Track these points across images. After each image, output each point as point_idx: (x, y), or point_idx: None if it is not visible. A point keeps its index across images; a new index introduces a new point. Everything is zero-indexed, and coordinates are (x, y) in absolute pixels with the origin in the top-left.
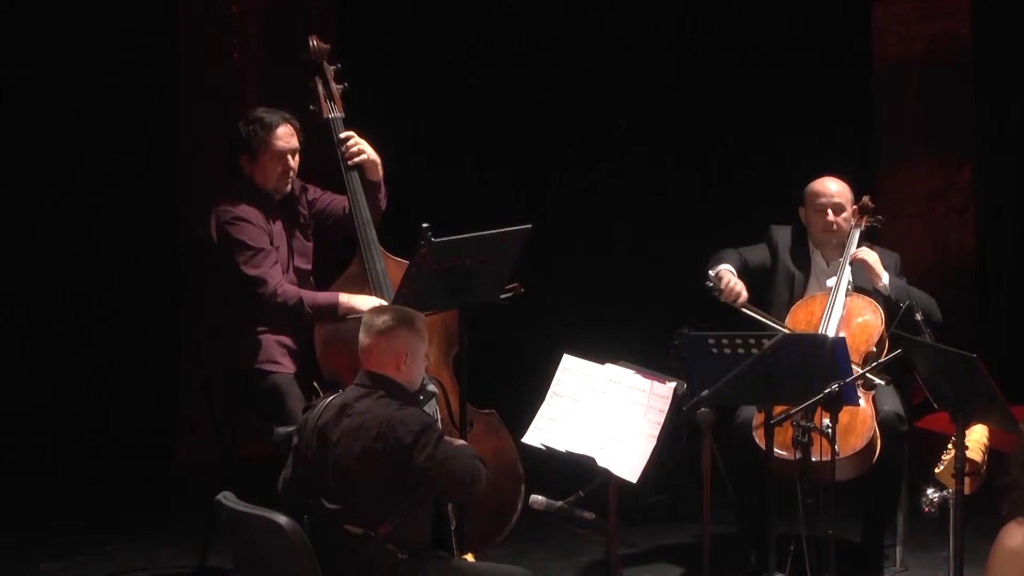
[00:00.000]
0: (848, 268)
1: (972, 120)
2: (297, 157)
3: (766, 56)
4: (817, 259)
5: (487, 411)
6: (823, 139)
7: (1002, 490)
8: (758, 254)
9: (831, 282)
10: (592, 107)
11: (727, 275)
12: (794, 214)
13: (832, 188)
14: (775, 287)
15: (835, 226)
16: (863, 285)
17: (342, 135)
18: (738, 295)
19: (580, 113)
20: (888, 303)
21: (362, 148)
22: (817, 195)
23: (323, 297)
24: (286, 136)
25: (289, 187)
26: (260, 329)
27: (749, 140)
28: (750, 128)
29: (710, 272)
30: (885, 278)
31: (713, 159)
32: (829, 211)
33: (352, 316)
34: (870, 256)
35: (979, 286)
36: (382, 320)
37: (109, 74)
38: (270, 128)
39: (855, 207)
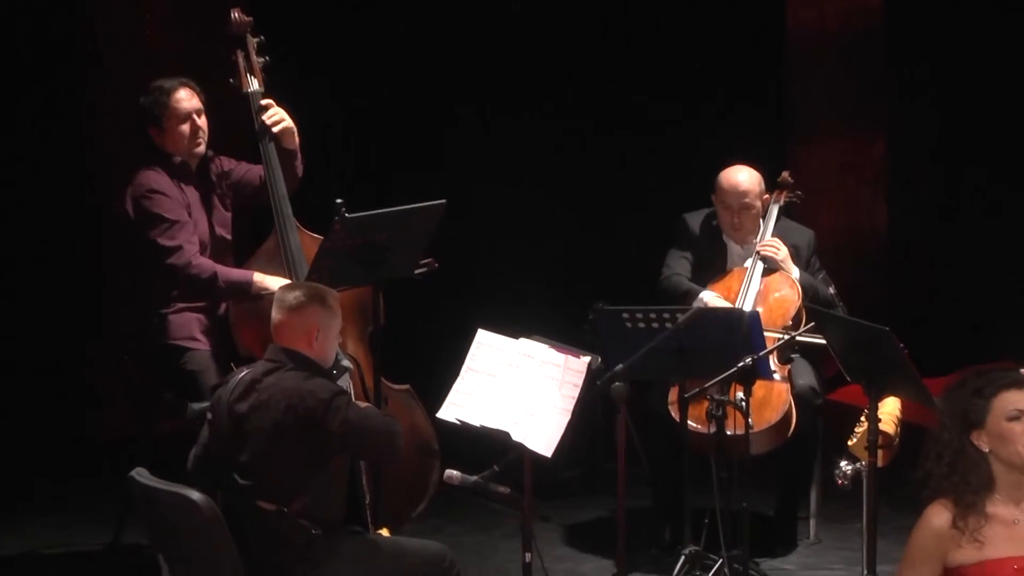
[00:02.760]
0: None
1: (885, 94)
2: (203, 118)
3: (680, 29)
4: (732, 245)
5: (402, 387)
6: (737, 113)
7: (918, 483)
8: (688, 263)
9: (748, 263)
10: (508, 83)
11: (715, 303)
12: (709, 188)
13: (741, 187)
14: (694, 277)
15: (740, 225)
16: (787, 243)
17: (262, 103)
18: None
19: (495, 89)
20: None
21: (281, 116)
22: (726, 192)
23: (237, 274)
24: (186, 97)
25: (201, 148)
26: (178, 306)
27: (664, 114)
28: (665, 102)
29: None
30: (795, 273)
31: (629, 133)
32: (735, 212)
33: (267, 293)
34: (778, 254)
35: (892, 259)
36: (294, 296)
37: (18, 57)
38: (169, 92)
39: (766, 196)
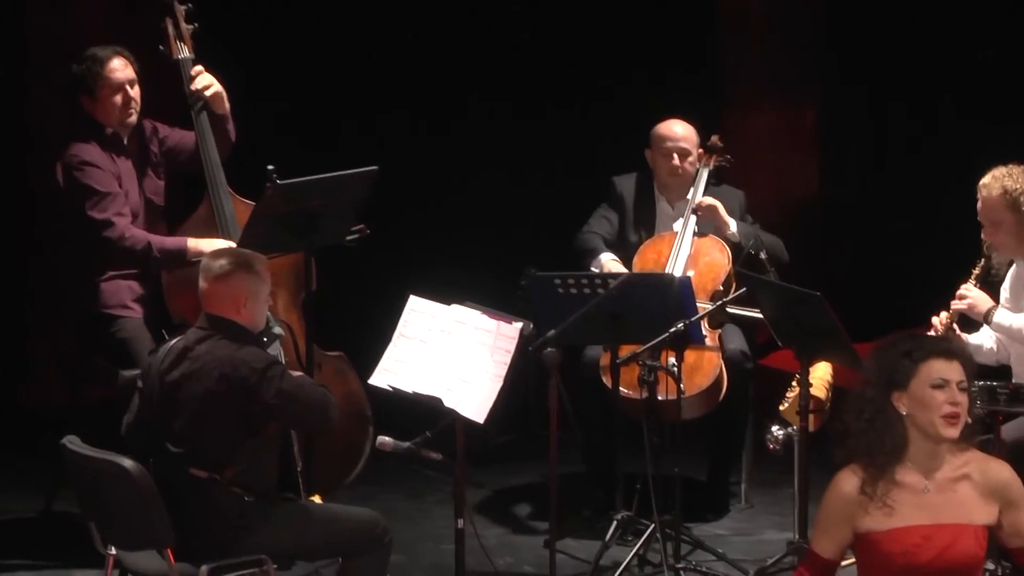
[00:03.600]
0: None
1: (819, 59)
2: (136, 88)
3: None
4: (662, 205)
5: (334, 353)
6: (671, 79)
7: (836, 436)
8: (611, 222)
9: (678, 225)
10: (434, 51)
11: (611, 265)
12: (642, 153)
13: (678, 132)
14: (624, 240)
15: (680, 170)
16: (711, 233)
17: (192, 71)
18: None
19: (423, 57)
20: (737, 243)
21: (210, 82)
22: (663, 139)
23: (171, 242)
24: (120, 67)
25: (133, 119)
26: (110, 274)
27: (596, 80)
28: (597, 67)
29: (593, 269)
30: (733, 225)
31: (562, 99)
32: (675, 155)
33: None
34: (716, 207)
35: (824, 225)
36: (219, 264)
37: None
38: (103, 62)
39: (701, 151)
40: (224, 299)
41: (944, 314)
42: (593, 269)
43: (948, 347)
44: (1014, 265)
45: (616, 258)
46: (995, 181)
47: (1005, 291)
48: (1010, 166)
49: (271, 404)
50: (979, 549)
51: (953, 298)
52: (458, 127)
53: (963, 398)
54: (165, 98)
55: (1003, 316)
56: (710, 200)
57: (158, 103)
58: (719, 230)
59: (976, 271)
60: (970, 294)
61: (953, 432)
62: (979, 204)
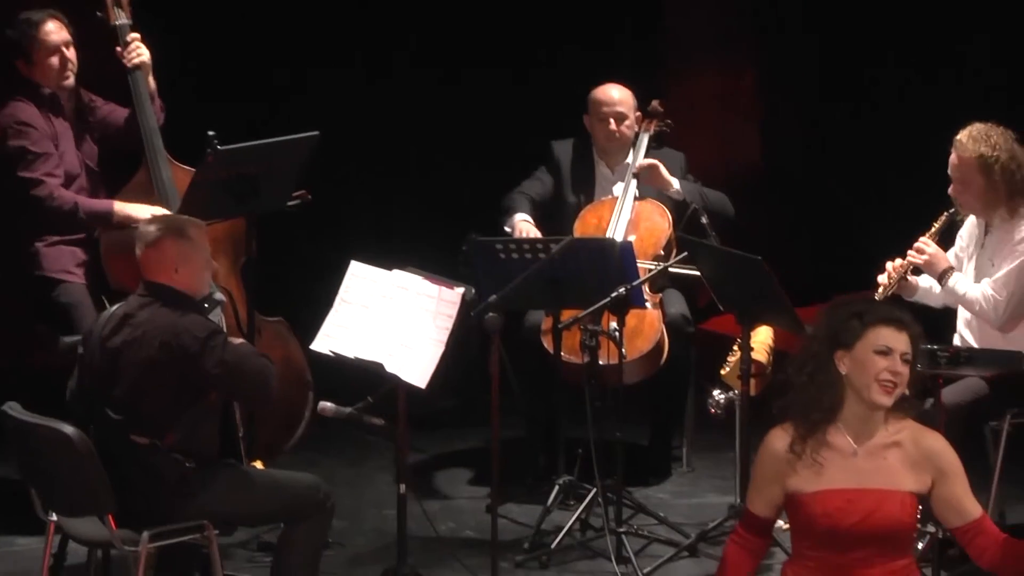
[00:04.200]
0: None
1: (760, 22)
2: (72, 50)
3: None
4: (602, 169)
5: (275, 319)
6: (611, 44)
7: (777, 388)
8: (544, 184)
9: (618, 189)
10: (375, 17)
11: (524, 226)
12: (580, 121)
13: (614, 96)
14: (563, 205)
15: (618, 135)
16: (652, 197)
17: (128, 38)
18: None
19: (365, 21)
20: (679, 206)
21: (143, 53)
22: (600, 104)
23: (99, 204)
24: (55, 29)
25: (71, 80)
26: (53, 239)
27: (536, 45)
28: (537, 33)
29: (506, 228)
30: (675, 183)
31: (502, 64)
32: (611, 120)
33: (132, 224)
34: (657, 167)
35: (764, 189)
36: (150, 231)
37: None
38: (38, 24)
39: (639, 114)
40: (157, 265)
41: (899, 261)
42: (505, 228)
43: (900, 316)
44: (972, 219)
45: (529, 219)
46: (972, 143)
47: (961, 239)
48: (988, 126)
49: (211, 374)
50: (904, 516)
51: (910, 249)
52: (400, 94)
53: (904, 369)
54: (100, 65)
55: (959, 282)
56: (649, 160)
57: (93, 70)
58: (662, 189)
59: (937, 224)
60: (928, 249)
61: (886, 400)
62: (951, 159)
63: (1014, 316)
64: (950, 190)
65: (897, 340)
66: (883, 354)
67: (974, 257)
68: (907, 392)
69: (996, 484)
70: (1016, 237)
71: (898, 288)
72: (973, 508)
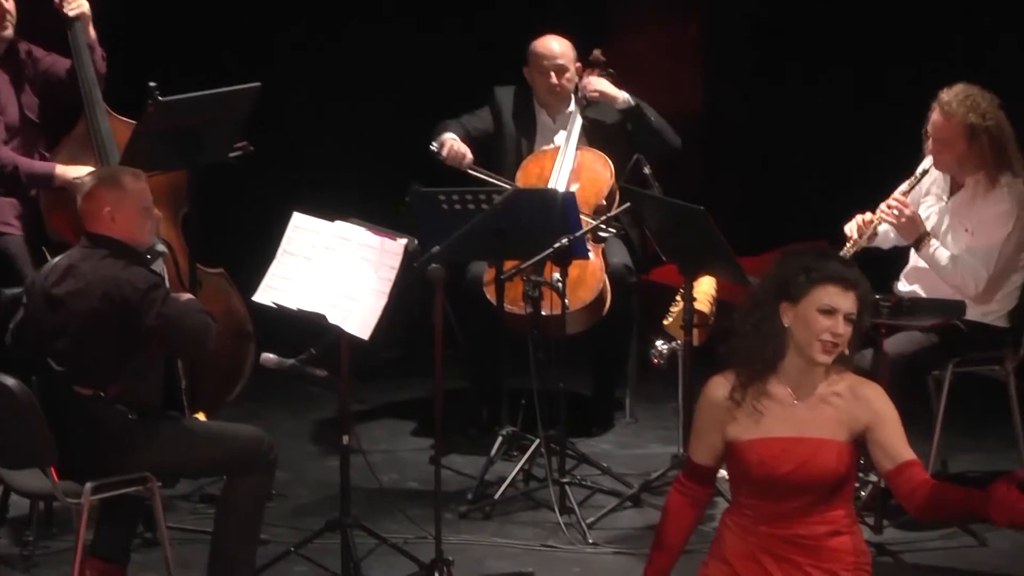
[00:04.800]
0: (578, 122)
1: None
2: (10, 1)
3: None
4: (543, 118)
5: (216, 271)
6: None
7: (722, 334)
8: (482, 121)
9: (559, 138)
10: None
11: (451, 141)
12: (520, 72)
13: (555, 49)
14: (503, 152)
15: (559, 87)
16: (602, 118)
17: None
18: (463, 156)
19: None
20: (624, 137)
21: (81, 2)
22: (540, 57)
23: (39, 166)
24: None
25: (9, 31)
26: None
27: None
28: None
29: (433, 141)
30: (622, 94)
31: (442, 14)
32: (552, 73)
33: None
34: (600, 83)
35: (708, 139)
36: (86, 183)
37: None
38: None
39: (579, 65)
40: (94, 215)
41: (870, 215)
42: (432, 145)
43: (848, 275)
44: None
45: (457, 138)
46: (961, 108)
47: (930, 197)
48: (977, 90)
49: (151, 326)
50: (840, 466)
51: (883, 205)
52: (342, 43)
53: (846, 330)
54: (36, 16)
55: (939, 250)
56: (596, 84)
57: (33, 20)
58: (612, 103)
59: (910, 181)
60: (907, 212)
61: (825, 359)
62: (934, 117)
63: (989, 290)
64: (927, 148)
65: (843, 300)
66: (827, 314)
67: (938, 213)
68: (847, 351)
69: (938, 433)
70: (999, 208)
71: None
72: (905, 452)
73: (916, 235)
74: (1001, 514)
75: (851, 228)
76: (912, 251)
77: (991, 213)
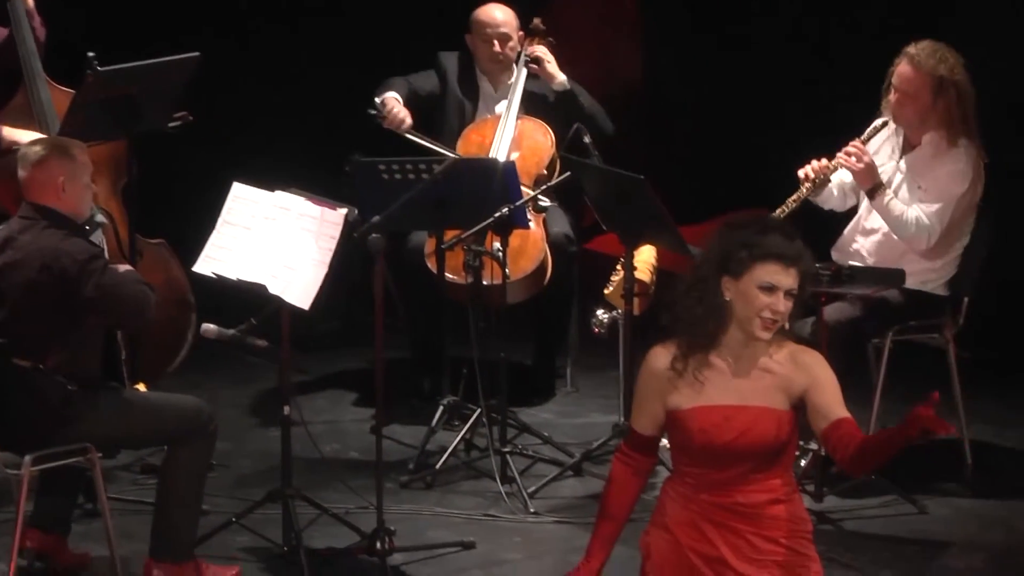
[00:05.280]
0: (520, 91)
1: None
2: None
3: None
4: (484, 85)
5: (157, 241)
6: None
7: (664, 306)
8: (428, 81)
9: (500, 107)
10: None
11: (391, 102)
12: (462, 38)
13: (498, 17)
14: (445, 115)
15: (502, 56)
16: (543, 89)
17: None
18: (401, 121)
19: None
20: (562, 112)
21: None
22: (483, 25)
23: None
24: None
25: None
26: None
27: None
28: None
29: (375, 100)
30: (561, 76)
31: None
32: (495, 42)
33: (16, 149)
34: (543, 53)
35: (648, 108)
36: (35, 151)
37: None
38: None
39: (521, 33)
40: (42, 186)
41: (825, 162)
42: (375, 101)
43: (789, 251)
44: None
45: (399, 98)
46: (931, 60)
47: (881, 156)
48: (944, 46)
49: (89, 297)
50: (780, 433)
51: (841, 152)
52: (282, 10)
53: (787, 306)
54: None
55: (893, 201)
56: (538, 52)
57: None
58: (548, 81)
59: (874, 126)
60: (865, 158)
61: (765, 335)
62: (900, 68)
63: (940, 245)
64: (891, 99)
65: (783, 278)
66: (767, 291)
67: (890, 172)
68: (786, 326)
69: (877, 401)
70: (955, 167)
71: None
72: (840, 411)
73: (872, 183)
74: (914, 424)
75: (806, 171)
76: (862, 208)
77: (947, 171)
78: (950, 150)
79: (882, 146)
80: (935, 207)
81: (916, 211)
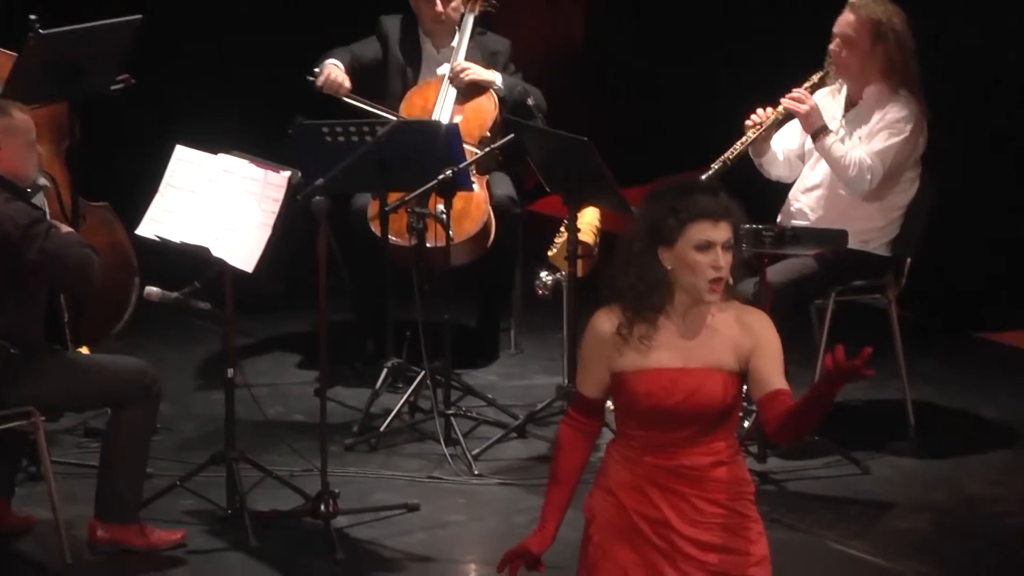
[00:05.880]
0: (462, 51)
1: None
2: None
3: None
4: (427, 48)
5: (100, 204)
6: None
7: (605, 276)
8: (369, 48)
9: (443, 69)
10: None
11: (330, 68)
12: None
13: None
14: (389, 79)
15: (444, 16)
16: (481, 53)
17: None
18: (339, 86)
19: None
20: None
21: None
22: None
23: None
24: None
25: None
26: None
27: None
28: None
29: (315, 68)
30: (498, 79)
31: None
32: (437, 1)
33: None
34: (472, 72)
35: (591, 69)
36: None
37: None
38: None
39: None
40: None
41: (770, 110)
42: (315, 69)
43: (716, 207)
44: (826, 92)
45: (340, 65)
46: (872, 6)
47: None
48: None
49: (32, 261)
50: (726, 396)
51: (785, 97)
52: None
53: (727, 259)
54: None
55: (836, 143)
56: (463, 66)
57: None
58: (486, 86)
59: (814, 79)
60: (808, 101)
61: (715, 297)
62: (844, 17)
63: (881, 189)
64: (832, 47)
65: (716, 232)
66: (704, 249)
67: (835, 129)
68: (730, 281)
69: (820, 362)
70: (896, 115)
71: (755, 140)
72: (779, 382)
73: (817, 126)
74: (827, 380)
75: (752, 119)
76: (806, 167)
77: (887, 120)
78: (891, 97)
79: (826, 103)
80: (876, 147)
81: (859, 152)
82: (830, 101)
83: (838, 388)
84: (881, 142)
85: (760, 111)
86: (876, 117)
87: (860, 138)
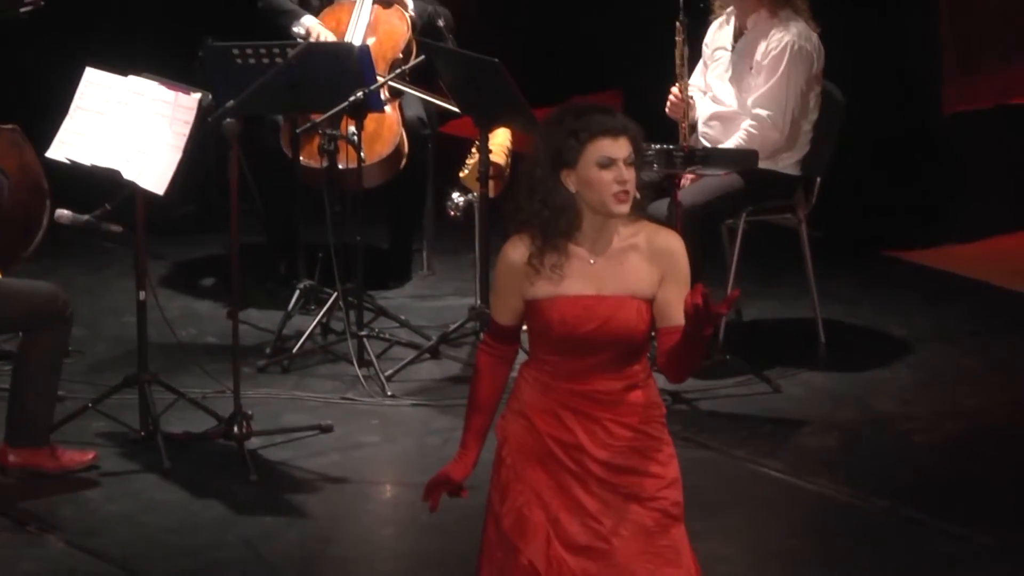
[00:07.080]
0: None
1: None
2: None
3: None
4: None
5: (9, 127)
6: None
7: (507, 215)
8: None
9: None
10: None
11: (316, 29)
12: None
13: None
14: (308, 8)
15: None
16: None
17: None
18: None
19: None
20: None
21: None
22: None
23: None
24: None
25: None
26: None
27: None
28: None
29: (294, 29)
30: (411, 6)
31: None
32: None
33: None
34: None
35: None
36: None
37: None
38: None
39: None
40: None
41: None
42: (295, 30)
43: (614, 124)
44: (714, 26)
45: (322, 23)
46: None
47: (707, 47)
48: None
49: None
50: (640, 323)
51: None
52: None
53: (630, 174)
54: None
55: (728, 141)
56: None
57: None
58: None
59: (678, 53)
60: (679, 103)
61: (624, 209)
62: None
63: (794, 123)
64: None
65: (616, 148)
66: (606, 167)
67: (729, 63)
68: (637, 195)
69: (732, 282)
70: (779, 39)
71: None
72: (678, 317)
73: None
74: (696, 318)
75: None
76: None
77: (772, 44)
78: (772, 22)
79: (719, 39)
80: (764, 89)
81: (745, 123)
82: (719, 33)
83: (705, 331)
84: (769, 76)
85: (676, 90)
86: (760, 50)
87: (750, 69)
